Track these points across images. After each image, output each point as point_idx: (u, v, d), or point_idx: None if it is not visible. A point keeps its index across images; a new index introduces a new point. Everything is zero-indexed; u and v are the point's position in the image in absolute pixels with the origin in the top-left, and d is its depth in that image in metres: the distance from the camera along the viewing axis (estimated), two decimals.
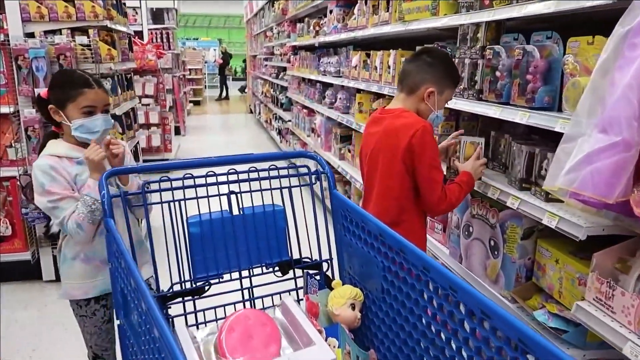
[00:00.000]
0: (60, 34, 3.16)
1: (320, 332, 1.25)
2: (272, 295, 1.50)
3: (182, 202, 1.40)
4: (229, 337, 1.18)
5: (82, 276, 1.87)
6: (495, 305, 0.89)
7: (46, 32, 3.14)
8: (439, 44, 2.47)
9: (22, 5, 3.05)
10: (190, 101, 14.17)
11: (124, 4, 4.20)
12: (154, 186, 1.37)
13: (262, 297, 1.49)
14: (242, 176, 1.49)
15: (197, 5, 23.98)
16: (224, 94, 17.71)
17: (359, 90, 3.86)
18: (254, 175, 1.49)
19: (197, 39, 24.24)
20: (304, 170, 1.58)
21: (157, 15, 9.26)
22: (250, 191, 1.49)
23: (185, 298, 1.40)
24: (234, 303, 1.47)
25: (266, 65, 9.83)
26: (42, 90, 1.89)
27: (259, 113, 11.06)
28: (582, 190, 1.33)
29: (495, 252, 1.97)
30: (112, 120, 1.91)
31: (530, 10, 1.66)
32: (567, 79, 1.57)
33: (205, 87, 18.11)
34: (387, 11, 3.04)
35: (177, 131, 8.98)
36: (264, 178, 1.51)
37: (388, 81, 3.09)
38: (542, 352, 0.79)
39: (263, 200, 1.51)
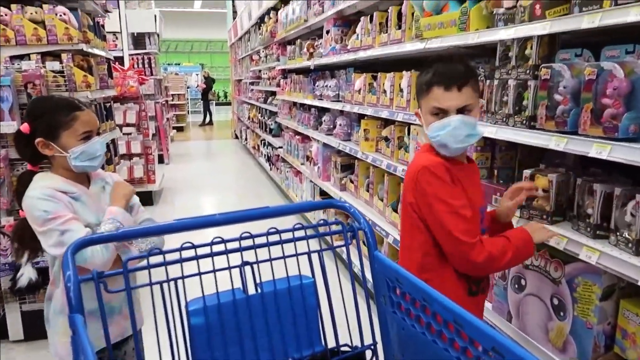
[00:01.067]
0: (29, 59, 2.77)
1: None
2: None
3: (180, 282, 1.02)
4: None
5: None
6: None
7: (12, 58, 2.75)
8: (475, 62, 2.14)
9: None
10: (174, 127, 13.76)
11: (103, 26, 3.84)
12: (141, 263, 0.99)
13: None
14: (258, 240, 1.12)
15: (178, 30, 23.78)
16: (207, 119, 17.35)
17: (362, 116, 3.53)
18: (273, 237, 1.12)
19: (179, 64, 23.96)
20: (334, 226, 1.22)
21: (139, 41, 8.92)
22: (270, 259, 1.11)
23: None
24: None
25: (252, 89, 9.51)
26: (22, 125, 1.60)
27: (246, 139, 10.70)
28: None
29: (561, 313, 1.62)
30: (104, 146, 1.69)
31: (615, 19, 1.33)
32: None
33: (189, 113, 17.74)
34: (400, 29, 2.73)
35: (161, 159, 8.56)
36: (287, 241, 1.14)
37: (401, 106, 2.76)
38: None
39: (287, 271, 1.14)
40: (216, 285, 1.05)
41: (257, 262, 1.10)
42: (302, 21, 4.87)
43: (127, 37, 7.99)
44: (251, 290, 1.10)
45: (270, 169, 7.39)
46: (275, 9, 6.53)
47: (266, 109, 7.89)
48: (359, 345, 1.19)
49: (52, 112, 1.58)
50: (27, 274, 2.67)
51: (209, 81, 17.64)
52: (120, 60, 7.19)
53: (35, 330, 2.92)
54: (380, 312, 1.19)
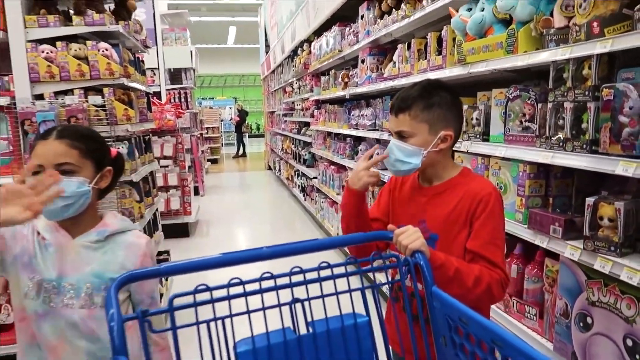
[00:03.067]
0: (72, 94, 2.83)
1: None
2: None
3: (228, 320, 0.95)
4: None
5: None
6: None
7: (56, 93, 2.81)
8: (516, 87, 2.05)
9: (31, 65, 2.74)
10: (208, 160, 13.98)
11: (143, 62, 3.93)
12: (186, 299, 0.92)
13: None
14: (309, 275, 1.04)
15: (212, 65, 24.51)
16: (241, 151, 17.59)
17: None
18: (324, 272, 1.05)
19: (213, 98, 24.57)
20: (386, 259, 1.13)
21: (175, 76, 9.18)
22: (322, 296, 1.03)
23: None
24: None
25: (286, 121, 9.59)
26: None
27: (279, 170, 10.73)
28: None
29: (637, 356, 1.46)
30: (77, 186, 1.32)
31: None
32: None
33: (223, 145, 18.04)
34: (440, 54, 2.67)
35: (196, 191, 8.64)
36: (340, 275, 1.06)
37: None
38: None
39: (340, 308, 1.05)
40: (265, 324, 0.97)
41: (309, 299, 1.02)
42: (337, 52, 4.88)
43: (164, 73, 8.23)
44: (302, 329, 1.02)
45: (305, 200, 7.35)
46: (308, 41, 6.61)
47: (300, 140, 7.91)
48: None
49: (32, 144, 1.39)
50: None
51: (242, 114, 17.97)
52: (157, 95, 7.38)
53: None
54: (439, 354, 1.08)
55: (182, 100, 9.09)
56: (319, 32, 5.91)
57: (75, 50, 2.81)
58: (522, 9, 1.93)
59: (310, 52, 6.43)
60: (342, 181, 5.01)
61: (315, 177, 6.39)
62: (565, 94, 1.70)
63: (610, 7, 1.55)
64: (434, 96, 1.38)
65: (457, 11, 2.38)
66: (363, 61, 4.11)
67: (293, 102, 8.57)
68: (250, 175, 12.77)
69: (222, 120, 19.22)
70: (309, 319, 1.02)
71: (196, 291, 0.92)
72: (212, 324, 0.93)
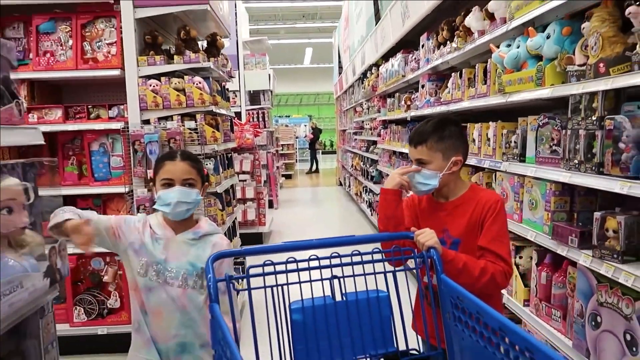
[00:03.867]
0: (172, 119, 3.43)
1: None
2: None
3: (285, 287, 1.36)
4: None
5: (134, 346, 1.85)
6: None
7: (160, 119, 3.42)
8: (545, 115, 2.33)
9: (141, 96, 3.37)
10: (283, 175, 14.70)
11: (227, 89, 4.53)
12: (256, 271, 1.35)
13: None
14: (345, 260, 1.43)
15: (289, 85, 25.59)
16: (314, 167, 18.23)
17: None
18: (357, 258, 1.43)
19: (289, 116, 25.61)
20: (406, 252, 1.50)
21: (254, 97, 9.92)
22: (354, 275, 1.42)
23: None
24: None
25: (356, 139, 10.01)
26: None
27: (349, 186, 11.15)
28: None
29: (634, 349, 1.70)
30: (195, 196, 1.81)
31: None
32: None
33: (297, 161, 18.79)
34: (485, 84, 2.97)
35: (270, 204, 9.26)
36: (368, 262, 1.44)
37: (488, 154, 2.96)
38: None
39: (367, 285, 1.43)
40: (311, 292, 1.38)
41: (343, 277, 1.41)
42: (400, 76, 5.25)
43: (244, 95, 8.98)
44: (338, 298, 1.41)
45: (371, 214, 7.69)
46: (376, 65, 7.02)
47: (368, 157, 8.29)
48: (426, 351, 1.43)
49: (157, 162, 1.89)
50: None
51: (316, 131, 18.64)
52: (238, 115, 8.11)
53: None
54: (445, 326, 1.42)
55: (260, 119, 9.80)
56: (386, 57, 6.31)
57: (175, 83, 3.41)
58: (548, 48, 2.22)
59: (377, 75, 6.84)
60: (403, 196, 5.32)
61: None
62: (580, 122, 1.98)
63: (615, 50, 1.82)
64: (445, 130, 1.73)
65: (499, 47, 2.69)
66: (423, 86, 4.44)
67: (362, 122, 8.99)
68: (321, 191, 13.29)
69: (296, 138, 20.04)
70: (343, 291, 1.41)
71: (264, 264, 1.35)
72: (275, 289, 1.35)
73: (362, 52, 8.15)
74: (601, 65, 1.84)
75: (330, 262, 1.40)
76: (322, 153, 22.74)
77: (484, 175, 3.11)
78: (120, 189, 3.43)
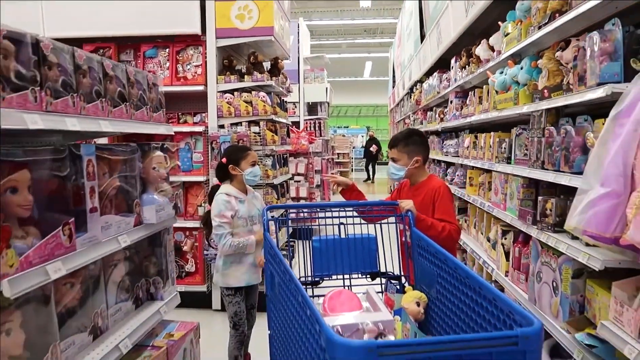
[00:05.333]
0: (241, 125, 4.38)
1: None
2: (362, 293, 2.18)
3: (310, 228, 2.21)
4: (329, 302, 1.90)
5: (235, 273, 2.92)
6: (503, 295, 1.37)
7: (232, 124, 4.39)
8: (520, 127, 3.04)
9: (218, 106, 4.36)
10: None
11: (285, 102, 5.47)
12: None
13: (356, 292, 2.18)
14: (348, 213, 2.26)
15: (349, 97, 26.52)
16: (370, 176, 18.89)
17: (473, 168, 4.44)
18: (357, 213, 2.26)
19: (347, 127, 26.53)
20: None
21: (312, 108, 10.89)
22: (354, 224, 2.25)
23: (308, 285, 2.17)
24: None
25: None
26: (222, 159, 3.02)
27: None
28: (587, 228, 1.84)
29: (556, 292, 2.40)
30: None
31: (566, 101, 2.24)
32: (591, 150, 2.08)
33: (352, 170, 19.59)
34: (488, 101, 3.70)
35: None
36: (364, 216, 2.27)
37: (489, 158, 3.68)
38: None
39: (361, 230, 2.25)
40: (326, 232, 2.21)
41: (347, 224, 2.22)
42: (436, 92, 5.99)
43: (303, 106, 9.97)
44: (343, 236, 2.23)
45: None
46: (420, 81, 7.76)
47: None
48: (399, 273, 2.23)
49: (238, 152, 3.00)
50: None
51: (372, 142, 19.35)
52: (297, 124, 9.08)
53: None
54: (415, 262, 2.19)
55: (317, 128, 10.76)
56: (427, 74, 7.05)
57: (245, 96, 4.37)
58: (521, 76, 2.95)
59: (421, 91, 7.57)
60: None
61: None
62: (535, 132, 2.70)
63: (556, 80, 2.54)
64: (409, 139, 2.58)
65: (494, 73, 3.42)
66: (451, 102, 5.17)
67: None
68: (371, 197, 14.01)
69: (353, 148, 20.87)
70: (347, 233, 2.22)
71: (298, 213, 2.19)
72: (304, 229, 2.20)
73: (410, 69, 8.90)
74: (545, 91, 2.57)
75: (339, 214, 2.23)
76: (379, 164, 23.37)
77: (487, 177, 3.82)
78: (200, 178, 4.42)
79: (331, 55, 19.95)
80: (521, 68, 2.97)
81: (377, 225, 2.31)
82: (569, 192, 2.55)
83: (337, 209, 2.25)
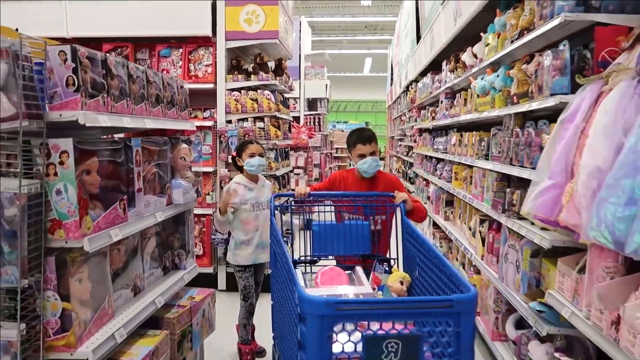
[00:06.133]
0: (247, 121, 4.78)
1: (373, 290, 2.27)
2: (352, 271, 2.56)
3: (311, 214, 2.60)
4: (321, 276, 2.30)
5: (244, 252, 3.32)
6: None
7: (239, 120, 4.79)
8: (496, 127, 3.45)
9: (227, 103, 4.75)
10: None
11: (287, 99, 5.86)
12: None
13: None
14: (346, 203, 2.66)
15: (348, 92, 26.86)
16: None
17: (459, 163, 4.85)
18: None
19: (346, 122, 26.88)
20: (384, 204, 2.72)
21: (312, 104, 11.27)
22: (350, 212, 2.64)
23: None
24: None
25: (400, 144, 11.13)
26: (233, 153, 3.41)
27: None
28: (537, 212, 2.25)
29: (518, 270, 2.81)
30: (265, 162, 3.41)
31: (529, 107, 2.65)
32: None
33: (350, 165, 19.98)
34: (471, 103, 4.10)
35: None
36: (361, 205, 2.65)
37: (471, 155, 4.08)
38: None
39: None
40: (324, 218, 2.61)
41: (344, 212, 2.62)
42: (429, 92, 6.39)
43: (303, 102, 10.35)
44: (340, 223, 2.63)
45: None
46: (415, 80, 8.16)
47: (407, 161, 9.41)
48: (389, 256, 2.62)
49: (242, 146, 3.40)
50: None
51: None
52: (297, 119, 9.47)
53: (233, 284, 4.74)
54: (403, 243, 2.54)
55: (316, 124, 11.15)
56: (422, 74, 7.45)
57: (251, 94, 4.76)
58: (497, 83, 3.35)
59: (416, 90, 7.97)
60: (426, 192, 6.44)
61: (413, 192, 7.85)
62: (505, 133, 3.10)
63: (524, 88, 2.94)
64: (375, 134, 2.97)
65: (476, 79, 3.82)
66: (441, 102, 5.57)
67: (405, 129, 10.10)
68: None
69: None
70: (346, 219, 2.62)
71: (301, 202, 2.59)
72: (305, 215, 2.59)
73: (406, 68, 9.29)
74: (515, 97, 2.97)
75: (337, 203, 2.62)
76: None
77: (469, 172, 4.23)
78: (208, 169, 4.82)
79: (331, 51, 20.30)
80: (497, 76, 3.37)
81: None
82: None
83: (337, 199, 2.65)
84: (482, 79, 3.71)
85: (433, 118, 6.16)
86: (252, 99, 4.76)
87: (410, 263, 2.41)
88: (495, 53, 3.37)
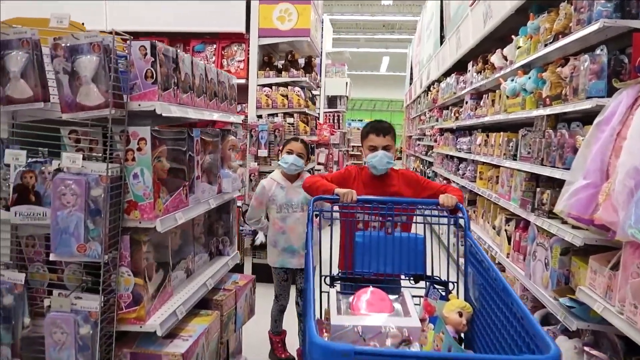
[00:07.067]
0: (277, 116, 4.91)
1: (423, 320, 1.78)
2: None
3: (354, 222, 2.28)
4: (358, 300, 1.86)
5: (271, 253, 3.32)
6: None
7: (269, 115, 4.92)
8: (526, 128, 3.53)
9: (258, 98, 4.89)
10: None
11: (315, 96, 5.98)
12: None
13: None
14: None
15: (364, 91, 26.90)
16: None
17: (483, 163, 4.93)
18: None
19: (361, 120, 26.94)
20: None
21: (332, 101, 11.39)
22: (401, 221, 2.37)
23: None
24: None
25: (418, 144, 11.20)
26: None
27: None
28: (571, 211, 2.34)
29: (547, 267, 2.90)
30: (302, 161, 3.24)
31: (562, 109, 2.73)
32: None
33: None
34: (499, 104, 4.18)
35: None
36: (414, 214, 2.41)
37: (498, 155, 4.17)
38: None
39: (410, 229, 2.41)
40: (371, 227, 2.62)
41: (393, 221, 2.25)
42: (453, 93, 6.47)
43: (323, 99, 10.47)
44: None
45: None
46: (438, 81, 8.23)
47: (426, 160, 9.48)
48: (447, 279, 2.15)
49: (287, 141, 3.34)
50: (260, 237, 4.68)
51: None
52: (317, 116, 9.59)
53: (261, 276, 4.15)
54: (465, 265, 2.08)
55: (335, 121, 11.27)
56: (445, 75, 7.52)
57: (281, 90, 4.89)
58: (529, 85, 3.43)
59: (438, 90, 8.05)
60: None
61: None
62: (537, 133, 3.19)
63: (557, 91, 3.02)
64: (392, 128, 2.70)
65: (505, 80, 3.90)
66: (466, 102, 5.65)
67: (424, 129, 10.18)
68: None
69: None
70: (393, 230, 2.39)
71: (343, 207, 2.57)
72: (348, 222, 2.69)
73: (428, 68, 9.36)
74: (547, 99, 3.06)
75: (386, 210, 2.22)
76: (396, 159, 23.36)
77: (495, 171, 4.31)
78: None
79: (349, 49, 20.33)
80: (529, 78, 3.45)
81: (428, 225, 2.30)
82: (563, 185, 3.05)
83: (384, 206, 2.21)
84: (513, 80, 3.79)
85: (457, 118, 6.24)
86: (282, 95, 4.89)
87: (474, 290, 1.93)
88: (528, 55, 3.45)
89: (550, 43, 3.01)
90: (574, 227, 2.63)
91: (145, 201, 1.68)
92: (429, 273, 2.15)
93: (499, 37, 4.81)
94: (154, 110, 1.64)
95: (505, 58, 4.10)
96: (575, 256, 2.72)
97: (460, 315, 1.77)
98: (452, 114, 6.39)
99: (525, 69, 3.63)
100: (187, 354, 1.85)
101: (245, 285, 2.66)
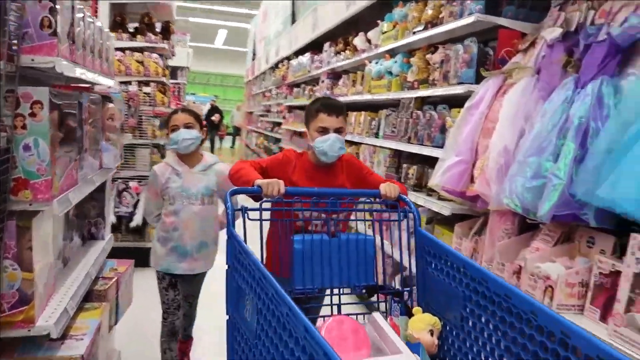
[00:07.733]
0: (131, 84, 4.46)
1: None
2: (357, 314, 1.63)
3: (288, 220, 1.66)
4: (327, 335, 1.34)
5: (156, 252, 2.49)
6: (574, 325, 0.98)
7: (121, 82, 4.44)
8: (390, 109, 3.81)
9: None
10: None
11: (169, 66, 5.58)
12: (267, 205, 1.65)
13: (348, 314, 1.59)
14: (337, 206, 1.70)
15: (199, 63, 25.88)
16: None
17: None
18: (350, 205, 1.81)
19: (194, 94, 25.91)
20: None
21: (173, 73, 10.72)
22: (347, 219, 2.00)
23: None
24: (324, 316, 1.63)
25: (262, 120, 11.26)
26: None
27: None
28: (445, 185, 2.61)
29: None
30: (195, 132, 2.42)
31: (433, 92, 3.02)
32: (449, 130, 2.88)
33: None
34: (362, 85, 4.42)
35: None
36: (360, 210, 1.85)
37: (358, 132, 4.42)
38: None
39: (357, 230, 2.06)
40: (310, 231, 1.75)
41: (338, 219, 1.78)
42: (307, 72, 6.62)
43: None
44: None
45: None
46: (288, 58, 8.34)
47: (272, 136, 9.60)
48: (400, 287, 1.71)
49: (167, 118, 2.52)
50: (137, 219, 4.20)
51: (215, 111, 18.47)
52: None
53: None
54: (418, 268, 1.68)
55: (177, 94, 10.66)
56: (297, 53, 7.65)
57: (136, 56, 4.44)
58: (394, 69, 3.70)
59: (288, 67, 8.16)
60: None
61: None
62: (404, 114, 3.47)
63: (423, 76, 3.31)
64: (344, 109, 2.15)
65: (370, 62, 4.14)
66: (323, 81, 5.84)
67: (270, 105, 10.27)
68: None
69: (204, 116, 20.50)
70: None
71: (276, 201, 1.65)
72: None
73: (277, 45, 9.41)
74: (415, 83, 3.34)
75: (327, 205, 1.69)
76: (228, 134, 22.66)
77: (355, 147, 4.58)
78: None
79: (182, 18, 19.23)
80: (395, 62, 3.71)
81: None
82: (425, 161, 3.38)
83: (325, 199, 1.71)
84: (377, 63, 4.04)
85: (311, 96, 6.42)
86: (137, 61, 4.45)
87: (440, 298, 1.59)
88: (395, 41, 3.70)
89: (420, 31, 3.28)
90: (439, 198, 2.94)
91: (40, 178, 1.38)
92: (380, 282, 1.75)
93: (358, 21, 5.07)
94: (53, 67, 1.35)
95: (369, 41, 4.34)
96: (439, 224, 3.06)
97: (432, 334, 1.47)
98: (306, 92, 6.55)
99: (390, 53, 3.89)
100: (87, 355, 1.62)
101: (125, 270, 2.41)
